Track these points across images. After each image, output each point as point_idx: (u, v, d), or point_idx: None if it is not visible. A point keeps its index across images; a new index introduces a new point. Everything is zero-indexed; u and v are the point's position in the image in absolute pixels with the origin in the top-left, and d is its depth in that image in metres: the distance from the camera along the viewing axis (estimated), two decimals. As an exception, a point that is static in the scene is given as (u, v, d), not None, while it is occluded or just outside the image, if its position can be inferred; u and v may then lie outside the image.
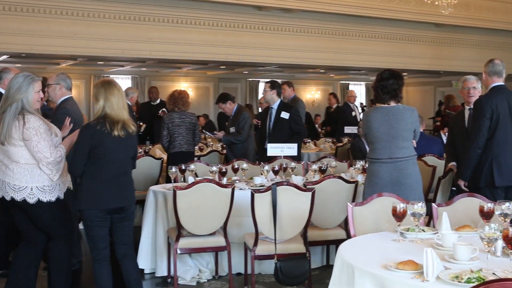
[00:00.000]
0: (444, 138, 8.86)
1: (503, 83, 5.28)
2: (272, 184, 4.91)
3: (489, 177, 5.17)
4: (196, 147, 8.19)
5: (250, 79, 20.59)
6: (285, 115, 7.43)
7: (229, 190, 5.11)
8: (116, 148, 4.25)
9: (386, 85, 4.78)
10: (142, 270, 5.72)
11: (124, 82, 17.99)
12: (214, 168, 6.01)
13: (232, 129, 7.74)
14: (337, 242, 4.78)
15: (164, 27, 11.63)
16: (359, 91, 22.30)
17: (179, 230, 5.10)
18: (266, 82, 7.58)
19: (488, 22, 14.87)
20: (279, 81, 8.20)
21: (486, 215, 3.49)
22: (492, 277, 2.59)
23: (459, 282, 2.59)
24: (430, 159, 6.90)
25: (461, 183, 5.36)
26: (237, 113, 7.81)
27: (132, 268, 4.49)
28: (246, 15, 12.47)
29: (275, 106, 7.53)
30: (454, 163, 6.03)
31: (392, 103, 4.81)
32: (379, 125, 4.75)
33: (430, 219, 4.33)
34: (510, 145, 5.21)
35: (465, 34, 15.39)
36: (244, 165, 6.37)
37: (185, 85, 19.19)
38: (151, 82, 18.10)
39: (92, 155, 4.22)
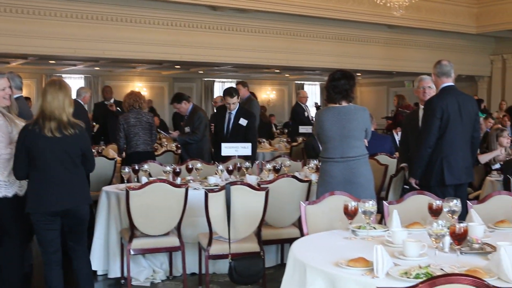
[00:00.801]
0: (397, 137, 9.03)
1: (452, 84, 5.38)
2: (226, 184, 4.91)
3: (440, 175, 5.27)
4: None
5: (205, 79, 20.53)
6: (243, 122, 7.43)
7: (182, 190, 5.08)
8: (52, 148, 4.14)
9: (337, 85, 4.83)
10: (95, 271, 5.64)
11: (76, 81, 17.71)
12: (168, 168, 5.97)
13: (187, 129, 7.69)
14: (291, 241, 4.71)
15: (118, 26, 11.50)
16: (313, 91, 22.53)
17: (132, 231, 5.05)
18: (233, 95, 7.47)
19: (439, 24, 15.20)
20: (235, 81, 8.19)
21: (435, 212, 3.56)
22: (439, 273, 2.64)
23: (408, 277, 2.63)
24: (382, 158, 7.00)
25: (412, 181, 5.46)
26: (192, 113, 7.76)
27: (84, 265, 4.46)
28: (201, 15, 12.45)
29: (234, 111, 7.51)
30: (405, 164, 6.13)
31: (344, 103, 4.85)
32: (331, 125, 4.79)
33: (382, 217, 4.40)
34: (459, 144, 5.32)
35: (417, 36, 15.71)
36: (198, 165, 6.35)
37: (140, 85, 19.01)
38: (104, 82, 17.87)
39: (30, 157, 4.14)
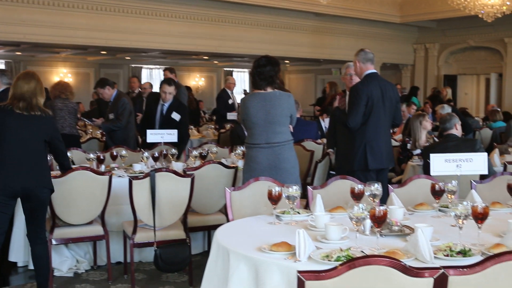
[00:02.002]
0: (323, 124, 9.15)
1: (375, 70, 5.51)
2: (151, 171, 4.83)
3: (363, 160, 5.37)
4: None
5: (132, 65, 20.15)
6: (176, 116, 7.30)
7: (106, 177, 4.98)
8: (18, 125, 4.30)
9: (263, 72, 4.83)
10: (15, 263, 5.46)
11: (-3, 66, 17.01)
12: (92, 156, 5.83)
13: (111, 116, 7.52)
14: (218, 227, 4.78)
15: (40, 9, 11.09)
16: (242, 78, 22.53)
17: (53, 220, 4.91)
18: (171, 84, 7.32)
19: (365, 13, 15.49)
20: (163, 67, 8.05)
21: (357, 196, 3.63)
22: (359, 255, 2.68)
23: (329, 260, 2.66)
24: (308, 144, 7.08)
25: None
26: (116, 99, 7.57)
27: (43, 253, 4.53)
28: (127, 0, 12.19)
29: (167, 104, 7.35)
30: (331, 150, 6.22)
31: (269, 89, 4.86)
32: (256, 111, 4.79)
33: (307, 202, 4.44)
34: (382, 130, 5.44)
35: (344, 24, 15.95)
36: (123, 152, 6.21)
37: (64, 71, 18.48)
38: (26, 67, 17.24)
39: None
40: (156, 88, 9.23)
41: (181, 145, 7.14)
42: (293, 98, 5.01)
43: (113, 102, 7.61)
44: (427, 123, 7.03)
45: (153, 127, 7.31)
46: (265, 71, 4.83)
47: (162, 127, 7.24)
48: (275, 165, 4.77)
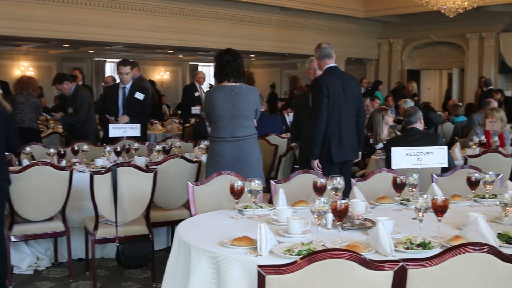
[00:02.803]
0: (287, 118, 9.16)
1: (335, 64, 5.52)
2: (112, 166, 4.76)
3: (327, 153, 5.38)
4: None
5: (96, 59, 19.90)
6: (139, 95, 7.23)
7: (66, 172, 4.89)
8: None
9: (229, 65, 4.79)
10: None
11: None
12: (52, 150, 5.73)
13: (70, 110, 7.40)
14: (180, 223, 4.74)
15: (-1, 0, 10.84)
16: (207, 72, 22.40)
17: (12, 217, 4.81)
18: (124, 63, 7.23)
19: (330, 7, 15.57)
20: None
21: (319, 190, 3.63)
22: (321, 249, 2.68)
23: (290, 255, 2.65)
24: (273, 138, 7.08)
25: (314, 162, 5.44)
26: (75, 93, 7.47)
27: (1, 251, 4.48)
28: (90, -8, 12.02)
29: (128, 85, 7.27)
30: (295, 144, 6.23)
31: (235, 83, 4.84)
32: (222, 104, 4.75)
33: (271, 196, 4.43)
34: (344, 123, 5.45)
35: (309, 18, 16.00)
36: (85, 146, 6.10)
37: (25, 64, 18.12)
38: (-14, 61, 16.89)
39: None
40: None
41: (145, 119, 7.19)
42: (258, 92, 5.00)
43: (72, 96, 7.51)
44: (389, 118, 7.09)
45: (116, 114, 7.22)
46: (231, 64, 4.80)
47: (126, 108, 7.16)
48: (240, 158, 4.76)
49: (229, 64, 4.80)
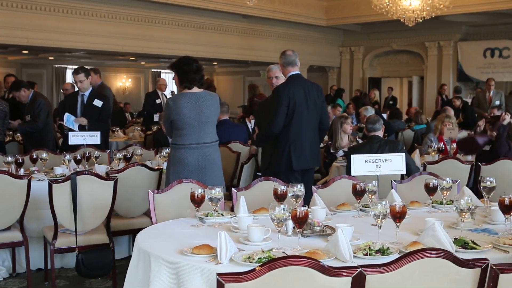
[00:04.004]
0: (250, 125, 9.18)
1: (298, 72, 5.55)
2: (72, 174, 4.69)
3: (288, 161, 5.41)
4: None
5: (56, 66, 19.61)
6: (98, 103, 7.16)
7: (24, 181, 4.79)
8: None
9: (190, 71, 4.78)
10: None
11: None
12: (10, 159, 5.62)
13: (27, 117, 7.27)
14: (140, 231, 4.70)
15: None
16: (170, 79, 22.31)
17: (-33, 227, 4.70)
18: (78, 71, 7.17)
19: (292, 15, 15.68)
20: (88, 68, 7.85)
21: (280, 197, 3.65)
22: (280, 256, 2.69)
23: (250, 262, 2.66)
24: (235, 146, 7.08)
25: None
26: (32, 100, 7.36)
27: None
28: (50, -3, 11.84)
29: (86, 93, 7.20)
30: (255, 147, 6.25)
31: (198, 89, 4.84)
32: (189, 111, 4.73)
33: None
34: (305, 131, 5.48)
35: (271, 26, 16.09)
36: (44, 154, 6.00)
37: (-17, 71, 17.74)
38: None
39: None
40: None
41: (105, 126, 7.12)
42: (218, 98, 5.04)
43: (29, 103, 7.39)
44: (347, 126, 7.15)
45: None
46: (193, 71, 4.80)
47: (85, 115, 7.09)
48: (204, 166, 4.76)
49: (198, 71, 4.81)
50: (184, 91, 4.85)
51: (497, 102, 12.61)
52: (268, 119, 5.40)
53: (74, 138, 6.44)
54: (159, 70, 22.18)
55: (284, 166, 5.42)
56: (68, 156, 5.85)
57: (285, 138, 5.39)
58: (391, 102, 15.71)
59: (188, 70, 4.80)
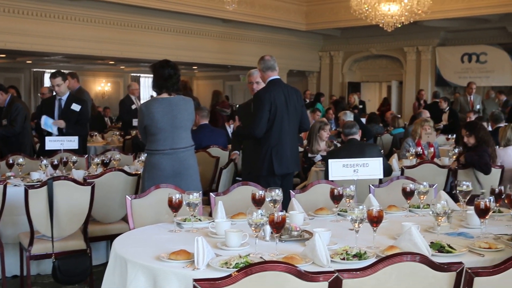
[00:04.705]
0: (229, 130, 9.17)
1: (278, 77, 5.55)
2: (48, 179, 4.64)
3: (270, 166, 5.40)
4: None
5: (34, 70, 19.43)
6: (76, 107, 7.10)
7: (0, 187, 4.73)
8: None
9: (166, 76, 4.77)
10: None
11: None
12: (-15, 164, 5.54)
13: (4, 122, 7.18)
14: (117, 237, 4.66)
15: None
16: (150, 84, 22.22)
17: None
18: (56, 75, 7.11)
19: (271, 20, 15.71)
20: (66, 72, 7.78)
21: (258, 202, 3.64)
22: (258, 261, 2.68)
23: (227, 268, 2.65)
24: (214, 150, 7.05)
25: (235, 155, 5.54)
26: (9, 104, 7.27)
27: None
28: (29, 1, 11.72)
29: (64, 97, 7.14)
30: (236, 151, 6.24)
31: (173, 94, 4.82)
32: (162, 116, 4.71)
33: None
34: (287, 135, 5.49)
35: (251, 31, 16.10)
36: (20, 159, 5.93)
37: (-40, 75, 17.53)
38: None
39: None
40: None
41: (83, 130, 7.05)
42: (193, 103, 5.01)
43: (6, 107, 7.29)
44: (324, 133, 7.16)
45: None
46: (170, 75, 4.78)
47: (62, 120, 7.02)
48: (179, 171, 4.73)
49: (171, 77, 4.79)
50: (158, 96, 4.84)
51: (478, 106, 12.74)
52: (250, 124, 5.39)
53: (51, 143, 6.37)
54: (138, 75, 22.08)
55: (266, 171, 5.41)
56: (45, 161, 5.78)
57: (267, 143, 5.38)
58: (360, 106, 15.79)
59: (164, 76, 4.79)
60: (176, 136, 4.77)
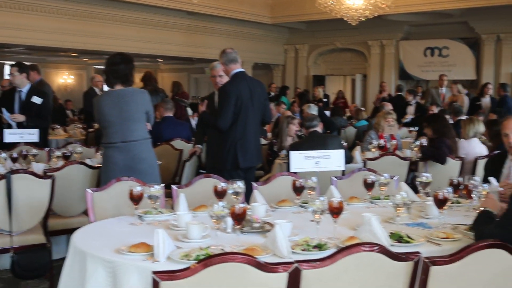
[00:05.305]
0: (193, 122, 9.13)
1: (242, 69, 5.53)
2: (7, 173, 4.55)
3: (234, 159, 5.39)
4: None
5: (-6, 61, 19.04)
6: (37, 99, 6.97)
7: (-45, 181, 4.62)
8: None
9: (117, 70, 4.76)
10: None
11: None
12: None
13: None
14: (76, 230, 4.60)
15: None
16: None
17: None
18: (13, 65, 7.00)
19: (237, 13, 15.66)
20: (28, 64, 7.63)
21: (220, 194, 3.63)
22: (218, 253, 2.68)
23: (188, 260, 2.64)
24: (178, 143, 7.00)
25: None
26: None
27: None
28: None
29: (24, 89, 7.01)
30: (200, 145, 6.20)
31: (123, 87, 4.78)
32: (110, 109, 4.70)
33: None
34: (251, 128, 5.49)
35: (216, 23, 16.03)
36: (-23, 153, 5.81)
37: None
38: None
39: None
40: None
41: (44, 123, 6.93)
42: (148, 95, 4.94)
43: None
44: (293, 127, 7.16)
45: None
46: (119, 69, 4.76)
47: (23, 112, 6.89)
48: (131, 166, 4.67)
49: (120, 70, 4.77)
50: (110, 89, 4.84)
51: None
52: (216, 117, 5.36)
53: (10, 135, 6.26)
54: (102, 67, 21.70)
55: (230, 164, 5.38)
56: (3, 154, 5.67)
57: (231, 136, 5.36)
58: (325, 99, 15.91)
59: (112, 68, 4.79)
60: (126, 129, 4.72)
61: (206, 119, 5.61)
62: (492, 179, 3.82)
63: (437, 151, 6.10)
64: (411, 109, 12.62)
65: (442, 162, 6.06)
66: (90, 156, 6.54)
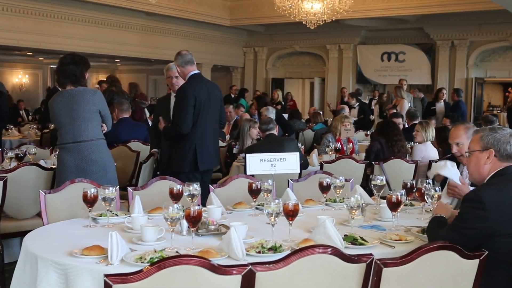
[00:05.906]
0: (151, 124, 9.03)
1: (198, 71, 5.49)
2: (-44, 174, 4.44)
3: (193, 162, 5.34)
4: None
5: None
6: None
7: None
8: None
9: (66, 70, 4.75)
10: None
11: None
12: None
13: None
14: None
15: None
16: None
17: None
18: None
19: (196, 14, 15.61)
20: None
21: (176, 196, 3.62)
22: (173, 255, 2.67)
23: (142, 262, 2.62)
24: (135, 145, 6.94)
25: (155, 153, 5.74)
26: None
27: None
28: None
29: None
30: (156, 149, 6.13)
31: (73, 87, 4.75)
32: (60, 109, 4.69)
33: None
34: (210, 130, 5.46)
35: (175, 25, 15.95)
36: None
37: None
38: None
39: None
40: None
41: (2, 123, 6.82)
42: (101, 94, 4.89)
43: None
44: (255, 130, 7.17)
45: None
46: (68, 69, 4.74)
47: None
48: (83, 167, 4.63)
49: (67, 69, 4.75)
50: (62, 89, 4.82)
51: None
52: (176, 121, 5.30)
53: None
54: (58, 67, 21.40)
55: (188, 167, 5.33)
56: (-47, 156, 5.54)
57: (190, 139, 5.29)
58: (283, 102, 16.03)
59: (61, 69, 4.78)
60: (77, 129, 4.68)
61: (169, 134, 5.45)
62: (451, 176, 3.81)
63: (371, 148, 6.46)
64: (353, 112, 13.07)
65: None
66: (45, 157, 6.44)
